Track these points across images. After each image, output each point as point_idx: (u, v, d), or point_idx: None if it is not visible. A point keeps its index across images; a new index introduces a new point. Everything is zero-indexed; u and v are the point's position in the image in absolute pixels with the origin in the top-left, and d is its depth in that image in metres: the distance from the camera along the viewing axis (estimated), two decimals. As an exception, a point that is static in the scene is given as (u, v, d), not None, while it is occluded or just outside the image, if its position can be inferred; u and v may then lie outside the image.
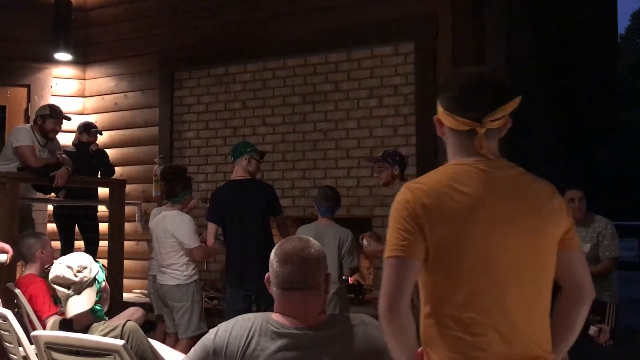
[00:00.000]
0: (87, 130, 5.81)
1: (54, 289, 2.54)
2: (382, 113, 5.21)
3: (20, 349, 3.11)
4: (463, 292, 1.52)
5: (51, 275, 2.53)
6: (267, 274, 1.88)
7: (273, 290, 1.85)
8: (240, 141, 5.05)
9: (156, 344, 2.62)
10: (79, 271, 2.50)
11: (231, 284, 4.38)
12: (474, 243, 1.52)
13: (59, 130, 5.25)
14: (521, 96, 1.59)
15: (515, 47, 5.43)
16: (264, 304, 3.98)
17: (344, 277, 4.51)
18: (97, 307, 2.53)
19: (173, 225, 4.47)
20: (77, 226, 5.85)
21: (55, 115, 5.15)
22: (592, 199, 4.41)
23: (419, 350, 1.60)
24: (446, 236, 1.52)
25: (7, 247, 3.85)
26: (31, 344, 2.86)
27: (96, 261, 2.62)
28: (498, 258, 1.52)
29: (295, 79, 5.62)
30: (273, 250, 1.88)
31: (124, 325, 2.45)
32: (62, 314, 2.59)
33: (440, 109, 1.65)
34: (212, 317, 4.56)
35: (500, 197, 1.55)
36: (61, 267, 2.51)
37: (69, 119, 5.40)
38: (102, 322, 2.52)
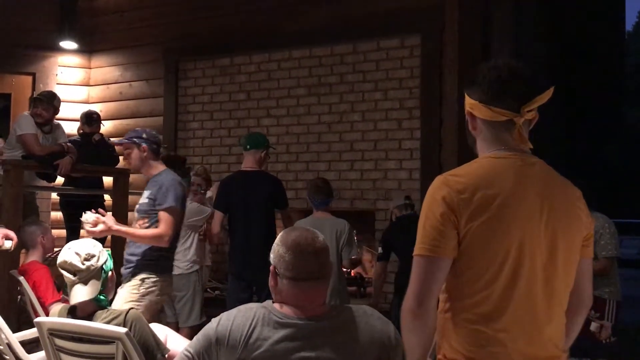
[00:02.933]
0: (88, 121, 5.79)
1: (61, 273, 2.55)
2: (386, 106, 5.19)
3: (2, 335, 3.10)
4: (494, 286, 1.50)
5: (59, 260, 2.53)
6: (272, 265, 1.86)
7: (282, 281, 1.83)
8: (254, 132, 5.00)
9: (158, 327, 2.63)
10: (86, 259, 2.50)
11: (233, 273, 4.39)
12: (510, 238, 1.51)
13: (47, 115, 5.04)
14: (553, 87, 1.57)
15: (522, 42, 5.40)
16: (265, 294, 3.98)
17: (344, 269, 4.50)
18: (102, 297, 2.54)
19: None
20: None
21: (36, 102, 5.03)
22: (595, 196, 4.38)
23: None
24: (482, 230, 1.50)
25: (11, 234, 3.85)
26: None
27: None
28: (531, 254, 1.52)
29: (300, 70, 5.61)
30: (279, 242, 1.87)
31: (127, 313, 2.47)
32: (66, 300, 2.60)
33: (472, 101, 1.61)
34: (214, 307, 4.57)
35: (536, 193, 1.55)
36: (70, 253, 2.51)
37: (39, 99, 5.12)
38: (106, 309, 2.53)
